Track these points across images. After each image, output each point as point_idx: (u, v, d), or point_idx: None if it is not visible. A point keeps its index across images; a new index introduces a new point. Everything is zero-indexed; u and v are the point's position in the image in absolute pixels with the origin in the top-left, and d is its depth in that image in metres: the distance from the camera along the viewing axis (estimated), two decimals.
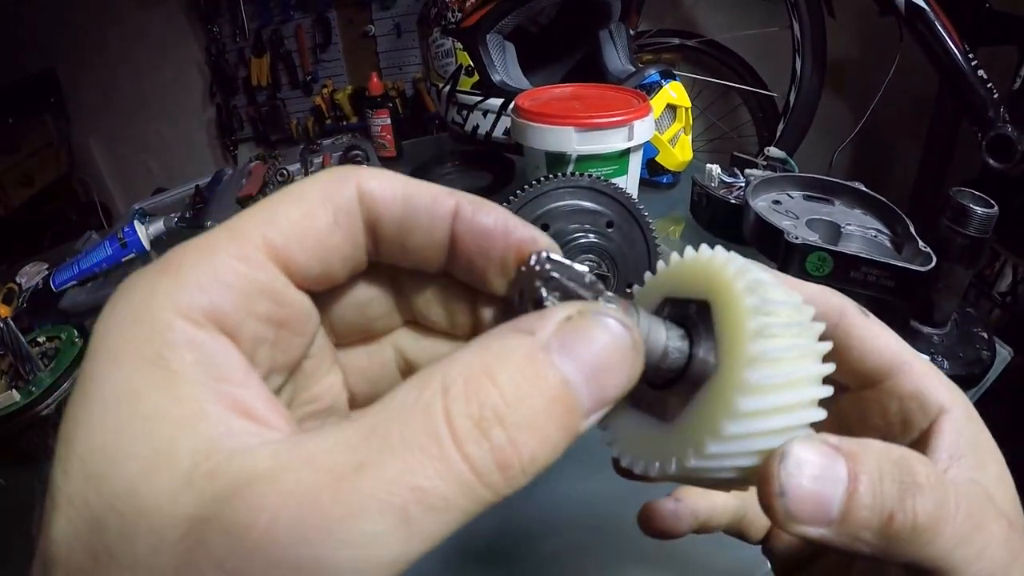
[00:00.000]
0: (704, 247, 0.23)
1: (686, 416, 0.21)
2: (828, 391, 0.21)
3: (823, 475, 0.19)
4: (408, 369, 0.25)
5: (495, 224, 0.21)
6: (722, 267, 0.22)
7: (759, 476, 0.20)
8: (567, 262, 0.20)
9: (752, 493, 0.30)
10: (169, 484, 0.14)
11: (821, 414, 0.21)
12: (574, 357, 0.17)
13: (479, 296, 0.23)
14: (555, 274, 0.20)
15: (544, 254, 0.20)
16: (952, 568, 0.20)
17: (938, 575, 0.20)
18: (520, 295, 0.21)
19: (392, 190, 0.20)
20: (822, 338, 0.21)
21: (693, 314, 0.22)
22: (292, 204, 0.19)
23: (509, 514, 0.48)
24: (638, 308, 0.21)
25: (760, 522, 0.31)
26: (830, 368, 0.21)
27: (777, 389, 0.20)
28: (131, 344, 0.16)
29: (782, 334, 0.20)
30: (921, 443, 0.24)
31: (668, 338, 0.21)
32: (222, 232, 0.18)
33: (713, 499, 0.30)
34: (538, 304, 0.20)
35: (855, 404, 0.26)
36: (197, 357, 0.16)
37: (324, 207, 0.19)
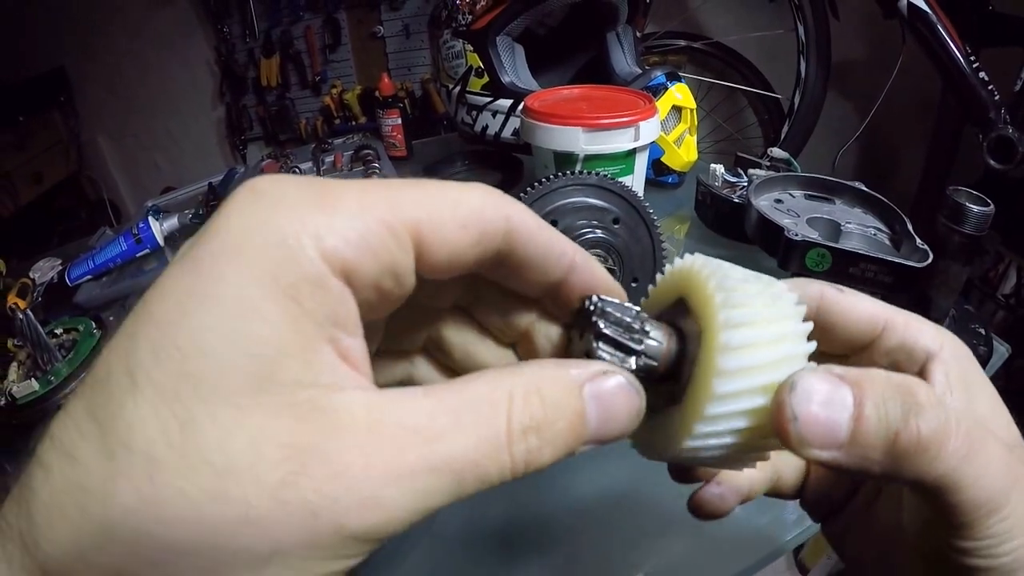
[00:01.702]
0: (687, 255, 0.26)
1: (681, 404, 0.23)
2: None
3: (830, 401, 0.20)
4: (433, 346, 0.28)
5: (599, 277, 0.25)
6: (694, 268, 0.25)
7: (773, 406, 0.21)
8: (618, 300, 0.24)
9: (782, 456, 0.32)
10: (272, 406, 0.16)
11: None
12: (598, 400, 0.21)
13: (538, 319, 0.27)
14: (608, 309, 0.23)
15: (596, 298, 0.24)
16: (955, 485, 0.21)
17: (943, 493, 0.21)
18: (581, 332, 0.24)
19: (532, 230, 0.22)
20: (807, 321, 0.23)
21: (681, 315, 0.25)
22: (451, 207, 0.20)
23: (524, 500, 0.50)
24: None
25: (791, 479, 0.33)
26: (811, 347, 0.23)
27: (750, 372, 0.22)
28: (271, 266, 0.16)
29: (753, 321, 0.22)
30: None
31: (673, 346, 0.24)
32: (380, 191, 0.19)
33: (749, 474, 0.31)
34: (596, 333, 0.23)
35: None
36: (326, 300, 0.17)
37: (475, 225, 0.20)
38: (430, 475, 0.17)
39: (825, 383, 0.21)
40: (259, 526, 0.15)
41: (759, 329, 0.22)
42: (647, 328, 0.24)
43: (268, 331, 0.16)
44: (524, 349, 0.27)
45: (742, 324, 0.22)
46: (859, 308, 0.27)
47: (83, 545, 0.15)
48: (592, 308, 0.23)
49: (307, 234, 0.17)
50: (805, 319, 0.23)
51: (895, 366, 0.27)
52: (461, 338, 0.27)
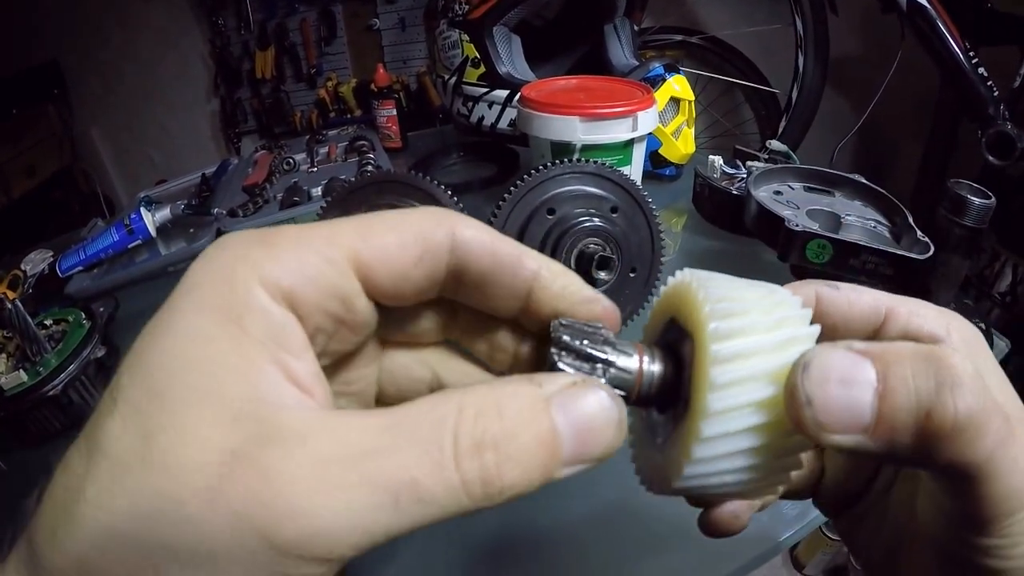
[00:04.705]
0: (677, 272, 0.25)
1: (674, 438, 0.22)
2: None
3: (851, 378, 0.19)
4: (437, 386, 0.27)
5: (572, 290, 0.23)
6: (683, 283, 0.23)
7: (785, 391, 0.19)
8: (583, 322, 0.23)
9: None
10: (217, 417, 0.17)
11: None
12: (567, 414, 0.19)
13: (524, 340, 0.26)
14: (571, 324, 0.22)
15: (558, 321, 0.23)
16: (990, 474, 0.19)
17: (973, 482, 0.19)
18: (551, 345, 0.23)
19: (483, 243, 0.22)
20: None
21: (676, 336, 0.23)
22: (389, 230, 0.21)
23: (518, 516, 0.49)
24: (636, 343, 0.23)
25: (806, 478, 0.31)
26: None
27: (747, 384, 0.20)
28: (217, 298, 0.18)
29: (745, 330, 0.20)
30: None
31: (658, 366, 0.23)
32: (321, 230, 0.20)
33: None
34: (555, 342, 0.22)
35: None
36: (268, 324, 0.19)
37: (416, 243, 0.21)
38: (363, 490, 0.16)
39: (843, 358, 0.19)
40: (193, 524, 0.15)
41: (754, 337, 0.20)
42: (612, 340, 0.22)
43: (216, 355, 0.17)
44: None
45: (734, 334, 0.20)
46: (857, 301, 0.25)
47: (59, 537, 0.16)
48: (553, 326, 0.22)
49: (247, 268, 0.19)
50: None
51: None
52: (456, 376, 0.27)
